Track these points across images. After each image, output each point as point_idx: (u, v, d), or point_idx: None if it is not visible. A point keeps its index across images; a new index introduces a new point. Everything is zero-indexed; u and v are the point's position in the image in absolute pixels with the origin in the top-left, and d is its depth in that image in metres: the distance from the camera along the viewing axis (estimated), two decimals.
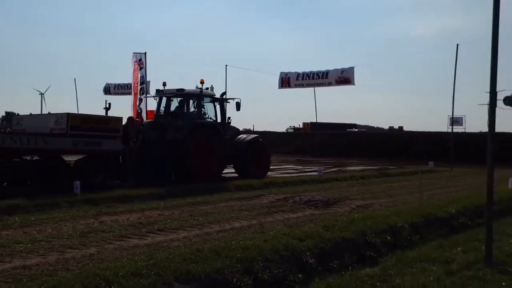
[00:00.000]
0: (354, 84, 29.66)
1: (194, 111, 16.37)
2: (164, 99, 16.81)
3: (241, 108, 16.62)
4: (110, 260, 5.64)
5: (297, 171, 20.89)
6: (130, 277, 4.59)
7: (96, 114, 13.79)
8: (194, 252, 5.49)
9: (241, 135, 17.71)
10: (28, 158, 12.47)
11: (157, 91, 16.79)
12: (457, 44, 24.58)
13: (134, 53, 20.95)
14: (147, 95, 19.41)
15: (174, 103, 16.91)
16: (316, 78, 31.21)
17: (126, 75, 21.47)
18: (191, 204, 10.37)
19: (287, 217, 9.17)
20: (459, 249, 6.39)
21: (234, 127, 17.56)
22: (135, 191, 11.77)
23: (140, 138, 14.60)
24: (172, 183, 14.03)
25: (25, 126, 13.38)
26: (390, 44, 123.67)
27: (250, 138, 17.53)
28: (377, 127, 57.64)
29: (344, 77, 29.73)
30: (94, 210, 9.30)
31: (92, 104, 59.35)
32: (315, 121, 36.39)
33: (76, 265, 5.53)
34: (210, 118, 16.65)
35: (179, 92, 16.19)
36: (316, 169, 18.62)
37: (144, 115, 19.92)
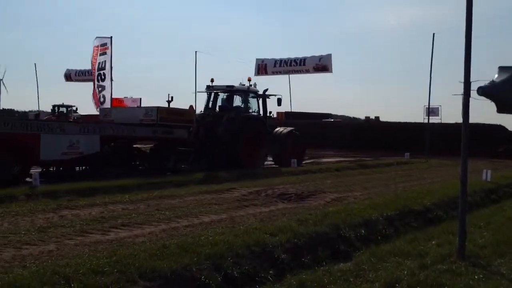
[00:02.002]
0: (331, 71, 29.98)
1: (240, 105, 19.33)
2: (212, 94, 19.51)
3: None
4: (70, 256, 5.54)
5: (271, 163, 20.91)
6: (91, 275, 4.53)
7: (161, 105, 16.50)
8: (160, 248, 5.45)
9: (279, 128, 20.43)
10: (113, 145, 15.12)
11: (208, 86, 19.46)
12: (433, 33, 25.12)
13: (97, 37, 20.50)
14: (199, 90, 21.01)
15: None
16: (294, 65, 31.35)
17: (88, 61, 21.01)
18: (157, 198, 10.30)
19: (259, 211, 9.17)
20: (433, 242, 6.53)
21: (271, 121, 20.43)
22: (99, 183, 11.62)
23: (202, 130, 17.33)
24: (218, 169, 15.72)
25: (114, 117, 16.22)
26: (366, 33, 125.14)
27: (287, 130, 20.28)
28: (353, 117, 58.24)
29: (321, 65, 29.97)
30: (54, 204, 9.15)
31: (53, 90, 58.02)
32: (289, 110, 36.58)
33: (33, 262, 5.40)
34: (254, 112, 19.46)
35: (229, 88, 19.17)
36: (292, 161, 18.82)
37: (108, 102, 19.59)
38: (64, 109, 37.31)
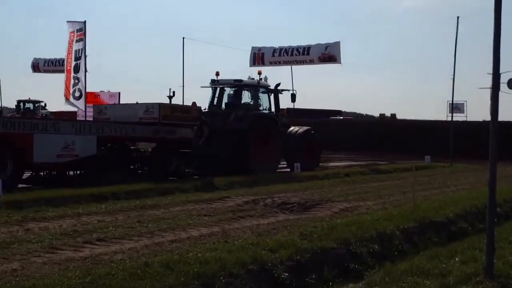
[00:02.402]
0: (340, 62, 29.86)
1: (250, 102, 19.73)
2: (217, 90, 19.87)
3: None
4: (38, 277, 5.50)
5: (283, 167, 21.15)
6: None
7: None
8: (141, 267, 5.45)
9: (293, 127, 20.87)
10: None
11: (212, 81, 19.73)
12: (457, 17, 25.12)
13: (68, 21, 20.49)
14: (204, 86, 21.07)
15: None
16: (296, 55, 31.17)
17: (59, 49, 21.02)
18: (139, 208, 10.29)
19: (257, 223, 9.20)
20: (457, 259, 6.52)
21: (285, 119, 20.96)
22: (72, 191, 11.60)
23: (207, 130, 17.43)
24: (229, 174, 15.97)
25: (109, 115, 16.55)
26: (379, 17, 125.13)
27: (303, 130, 20.80)
28: (366, 115, 58.44)
29: (328, 54, 29.84)
30: (18, 215, 9.12)
31: (18, 83, 57.92)
32: (292, 106, 36.44)
33: None
34: (265, 110, 19.84)
35: (237, 83, 19.37)
36: (295, 165, 19.17)
37: (82, 100, 19.59)
38: (30, 105, 37.23)
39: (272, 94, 20.16)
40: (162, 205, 10.65)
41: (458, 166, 23.74)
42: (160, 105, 16.06)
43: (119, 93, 34.97)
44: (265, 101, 20.05)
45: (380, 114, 42.92)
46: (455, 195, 12.86)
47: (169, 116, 16.05)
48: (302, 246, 6.64)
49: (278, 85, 20.25)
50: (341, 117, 46.51)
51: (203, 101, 22.49)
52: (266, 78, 20.21)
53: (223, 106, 20.03)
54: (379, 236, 7.58)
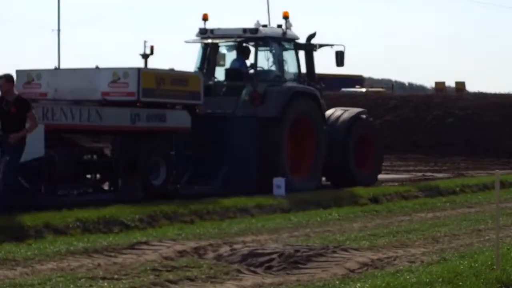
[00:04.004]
0: None
1: (271, 67, 14.72)
2: (209, 48, 14.84)
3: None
4: None
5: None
6: None
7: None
8: None
9: (333, 110, 15.87)
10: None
11: (203, 31, 14.48)
12: None
13: None
14: (189, 40, 15.62)
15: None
16: None
17: None
18: None
19: None
20: None
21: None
22: None
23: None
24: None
25: (47, 88, 12.31)
26: None
27: (351, 115, 15.71)
28: (409, 84, 45.86)
29: None
30: None
31: None
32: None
33: None
34: (293, 79, 14.91)
35: (250, 35, 14.22)
36: (275, 182, 13.51)
37: None
38: None
39: (304, 53, 15.25)
40: (20, 259, 7.64)
41: None
42: (140, 71, 11.97)
43: None
44: (291, 64, 15.03)
45: (436, 84, 31.81)
46: None
47: (155, 90, 12.13)
48: None
49: (312, 36, 15.17)
50: (364, 89, 33.79)
51: (186, 66, 16.15)
52: (290, 25, 14.78)
53: (222, 74, 14.84)
54: None
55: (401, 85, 46.27)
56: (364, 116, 16.25)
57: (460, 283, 6.38)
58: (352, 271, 7.81)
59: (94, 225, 10.59)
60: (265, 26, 14.76)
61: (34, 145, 10.94)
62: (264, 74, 14.67)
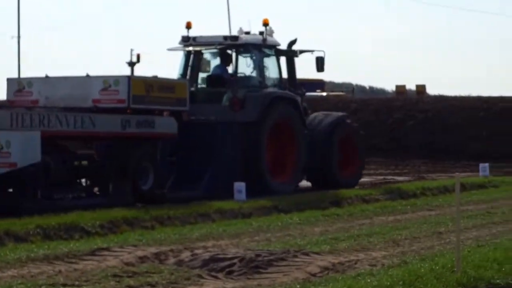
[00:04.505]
0: None
1: (251, 72, 15.06)
2: (192, 55, 15.15)
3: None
4: None
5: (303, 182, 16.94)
6: None
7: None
8: None
9: (315, 114, 16.44)
10: None
11: (185, 39, 14.73)
12: None
13: None
14: (172, 48, 15.86)
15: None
16: None
17: None
18: None
19: None
20: None
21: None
22: None
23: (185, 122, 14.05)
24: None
25: (38, 96, 12.73)
26: None
27: (333, 119, 16.20)
28: (369, 88, 46.78)
29: None
30: None
31: None
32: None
33: None
34: (275, 85, 15.28)
35: (230, 42, 14.53)
36: (236, 186, 13.17)
37: None
38: None
39: (285, 59, 15.58)
40: None
41: None
42: (130, 79, 12.41)
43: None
44: (273, 70, 15.39)
45: (396, 87, 32.09)
46: None
47: (145, 97, 12.63)
48: None
49: (293, 43, 15.51)
50: (324, 93, 33.61)
51: (170, 73, 16.80)
52: (271, 32, 15.17)
53: (204, 81, 15.22)
54: None
55: (361, 88, 47.10)
56: (346, 120, 16.76)
57: (421, 286, 6.44)
58: (313, 275, 7.84)
59: (54, 231, 10.60)
60: (247, 33, 15.07)
61: (31, 151, 11.34)
62: (245, 80, 15.00)
